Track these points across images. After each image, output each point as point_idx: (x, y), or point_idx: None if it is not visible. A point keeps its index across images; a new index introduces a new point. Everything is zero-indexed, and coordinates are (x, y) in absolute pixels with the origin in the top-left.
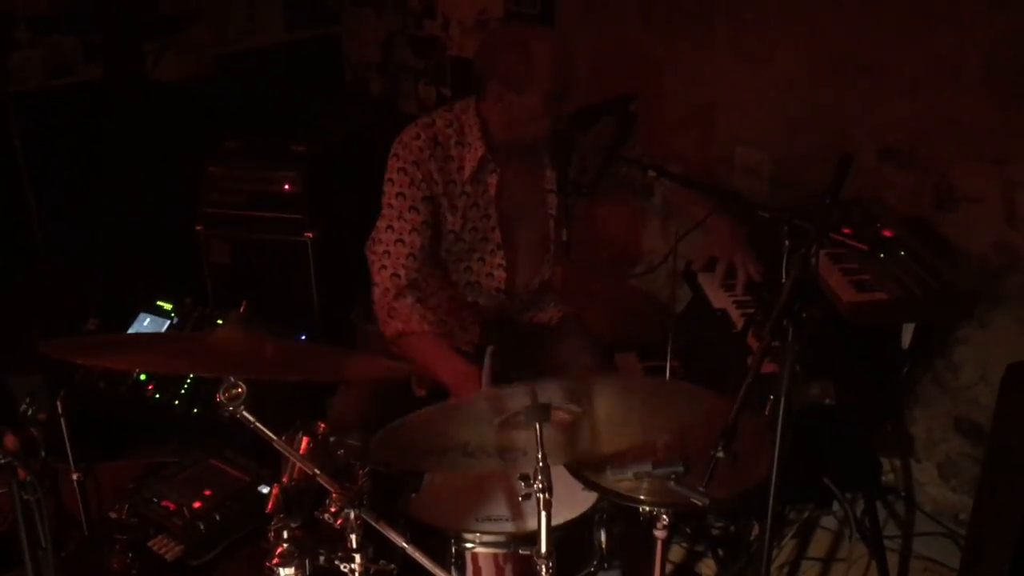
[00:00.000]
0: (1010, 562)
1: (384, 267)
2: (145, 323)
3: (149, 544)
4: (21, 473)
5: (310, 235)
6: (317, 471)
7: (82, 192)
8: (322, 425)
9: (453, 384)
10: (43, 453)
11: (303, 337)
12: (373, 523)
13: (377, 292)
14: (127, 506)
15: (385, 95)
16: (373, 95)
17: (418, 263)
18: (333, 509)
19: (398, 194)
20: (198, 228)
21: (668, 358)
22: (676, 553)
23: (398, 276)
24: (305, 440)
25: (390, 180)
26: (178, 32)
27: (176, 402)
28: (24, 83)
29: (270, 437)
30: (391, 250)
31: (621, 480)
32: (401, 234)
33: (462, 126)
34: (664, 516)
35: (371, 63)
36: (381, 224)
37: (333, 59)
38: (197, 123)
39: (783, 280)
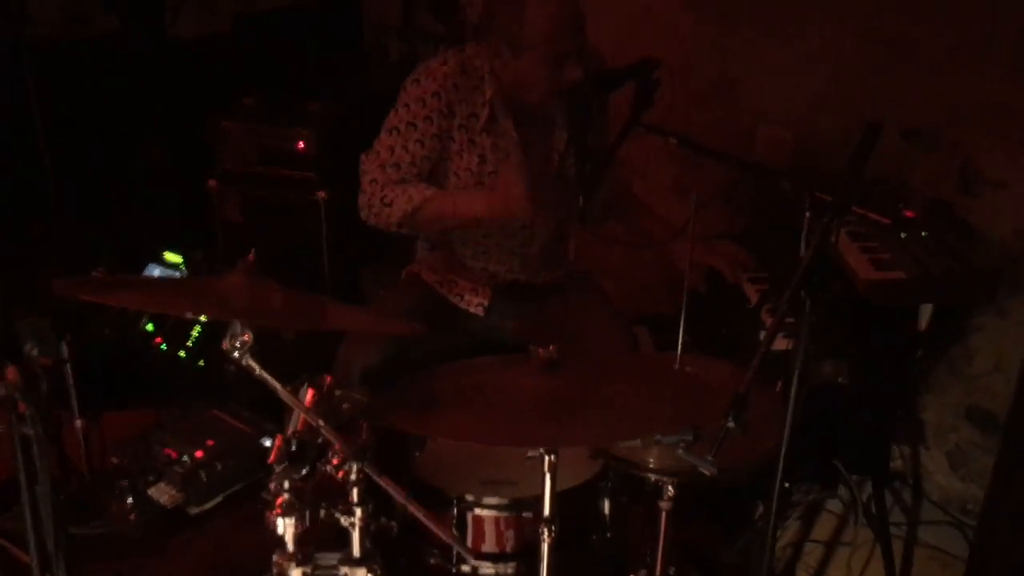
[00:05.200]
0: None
1: (375, 180)
2: (154, 274)
3: (149, 491)
4: (21, 406)
5: (323, 195)
6: (321, 422)
7: (95, 143)
8: (328, 378)
9: (494, 206)
10: (44, 387)
11: None
12: (376, 477)
13: (363, 198)
14: (129, 453)
15: (404, 59)
16: (392, 59)
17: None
18: (336, 461)
19: (409, 124)
20: (211, 183)
21: (681, 332)
22: (679, 528)
23: (385, 193)
24: (311, 392)
25: (406, 105)
26: None
27: (182, 353)
28: (41, 33)
29: (275, 386)
30: (387, 170)
31: (629, 446)
32: (399, 160)
33: (481, 64)
34: (670, 488)
35: (390, 25)
36: (385, 140)
37: (352, 20)
38: (214, 80)
39: (801, 253)
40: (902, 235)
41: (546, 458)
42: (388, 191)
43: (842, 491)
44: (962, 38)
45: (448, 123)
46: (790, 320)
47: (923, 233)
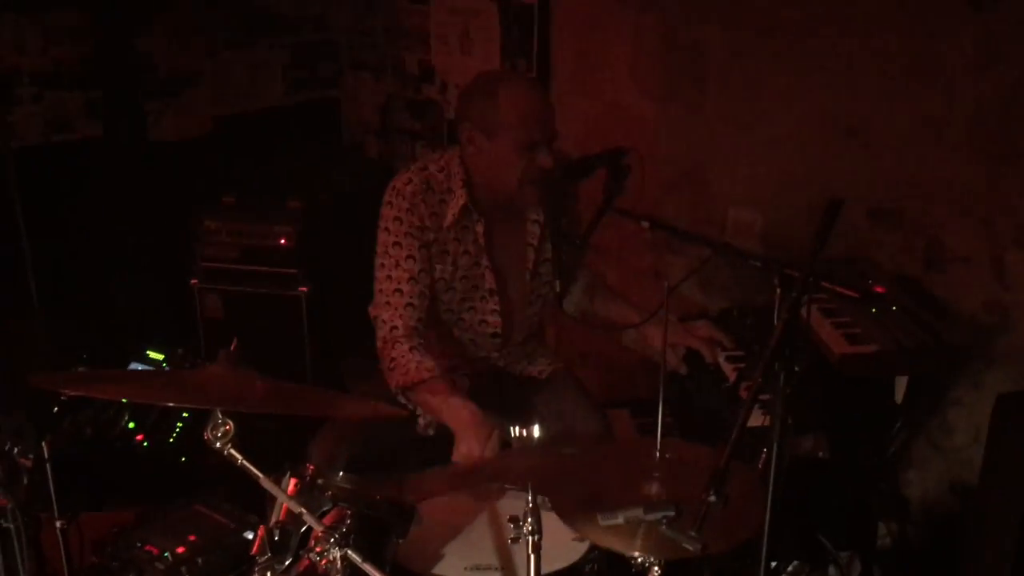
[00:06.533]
0: None
1: (384, 321)
2: None
3: None
4: (1, 500)
5: (304, 290)
6: (303, 510)
7: (78, 244)
8: (310, 467)
9: (459, 430)
10: (26, 481)
11: None
12: (359, 563)
13: (379, 345)
14: (109, 550)
15: (382, 157)
16: (371, 157)
17: (417, 312)
18: (319, 549)
19: (395, 243)
20: (193, 282)
21: (660, 413)
22: None
23: (396, 327)
24: (293, 481)
25: (386, 230)
26: (178, 94)
27: (164, 451)
28: (25, 138)
29: (257, 475)
30: (391, 300)
31: (612, 525)
32: (399, 283)
33: (450, 173)
34: (656, 568)
35: (369, 126)
36: (380, 275)
37: (331, 122)
38: (194, 182)
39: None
40: (873, 310)
41: (530, 539)
42: (395, 352)
43: (832, 570)
44: (918, 119)
45: (425, 236)
46: (767, 396)
47: (893, 307)
